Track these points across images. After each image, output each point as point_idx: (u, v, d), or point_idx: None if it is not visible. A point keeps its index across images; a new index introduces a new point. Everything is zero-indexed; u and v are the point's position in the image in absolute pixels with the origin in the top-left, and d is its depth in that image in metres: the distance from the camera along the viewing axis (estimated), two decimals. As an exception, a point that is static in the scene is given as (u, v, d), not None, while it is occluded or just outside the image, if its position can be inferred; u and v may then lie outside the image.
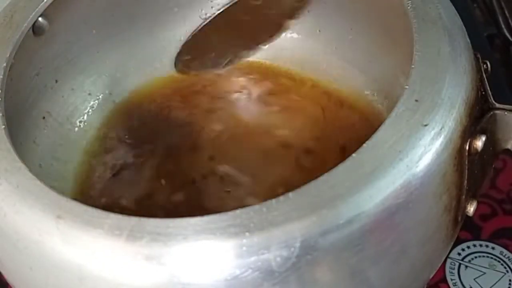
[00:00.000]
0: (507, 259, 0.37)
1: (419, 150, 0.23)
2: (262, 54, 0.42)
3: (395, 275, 0.25)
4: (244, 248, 0.21)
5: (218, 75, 0.41)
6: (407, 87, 0.25)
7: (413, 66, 0.26)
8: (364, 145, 0.23)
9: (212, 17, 0.38)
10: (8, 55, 0.30)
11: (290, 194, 0.22)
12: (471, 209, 0.27)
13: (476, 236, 0.38)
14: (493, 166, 0.30)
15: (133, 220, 0.22)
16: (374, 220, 0.22)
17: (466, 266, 0.37)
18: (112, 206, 0.34)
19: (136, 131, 0.38)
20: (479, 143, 0.25)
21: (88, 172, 0.36)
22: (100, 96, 0.39)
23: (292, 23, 0.40)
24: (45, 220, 0.23)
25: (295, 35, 0.41)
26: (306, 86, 0.39)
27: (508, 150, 0.29)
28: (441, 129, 0.24)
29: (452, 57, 0.26)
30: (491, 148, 0.28)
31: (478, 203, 0.28)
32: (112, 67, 0.40)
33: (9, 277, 0.27)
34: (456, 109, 0.25)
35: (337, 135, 0.36)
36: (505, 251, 0.37)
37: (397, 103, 0.25)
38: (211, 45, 0.40)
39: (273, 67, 0.41)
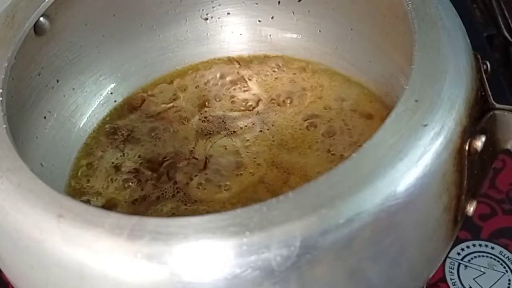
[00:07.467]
0: (507, 258, 0.37)
1: (419, 150, 0.23)
2: (263, 54, 0.42)
3: (394, 275, 0.25)
4: (244, 247, 0.21)
5: (219, 77, 0.41)
6: (407, 87, 0.25)
7: (413, 66, 0.26)
8: (364, 145, 0.23)
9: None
10: (9, 55, 0.30)
11: (290, 193, 0.22)
12: (470, 209, 0.27)
13: (476, 236, 0.38)
14: (493, 166, 0.30)
15: (134, 219, 0.22)
16: (373, 219, 0.22)
17: (466, 266, 0.37)
18: (112, 205, 0.34)
19: (136, 131, 0.38)
20: (479, 143, 0.25)
21: (89, 172, 0.36)
22: (101, 96, 0.39)
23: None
24: (46, 219, 0.23)
25: (295, 35, 0.41)
26: (306, 86, 0.39)
27: (507, 150, 0.29)
28: (441, 129, 0.24)
29: (452, 58, 0.26)
30: (490, 148, 0.28)
31: (478, 203, 0.28)
32: (113, 67, 0.40)
33: (10, 276, 0.27)
34: (456, 109, 0.25)
35: (339, 138, 0.36)
36: (504, 251, 0.38)
37: (397, 103, 0.25)
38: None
39: (273, 68, 0.41)
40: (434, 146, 0.24)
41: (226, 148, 0.36)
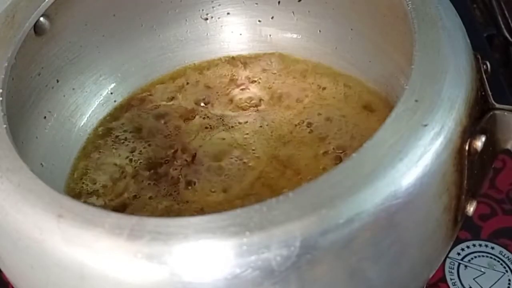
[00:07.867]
0: (507, 258, 0.37)
1: (419, 150, 0.23)
2: (263, 54, 0.42)
3: (394, 275, 0.25)
4: (244, 247, 0.21)
5: (219, 76, 0.41)
6: (407, 87, 0.25)
7: (413, 66, 0.26)
8: (364, 145, 0.23)
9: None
10: (9, 55, 0.30)
11: (290, 193, 0.22)
12: (470, 209, 0.27)
13: (476, 236, 0.38)
14: (493, 166, 0.30)
15: (134, 219, 0.22)
16: (373, 219, 0.22)
17: (466, 266, 0.37)
18: (111, 205, 0.34)
19: (136, 131, 0.38)
20: (479, 143, 0.25)
21: (89, 172, 0.36)
22: (101, 96, 0.39)
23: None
24: (46, 219, 0.23)
25: (295, 35, 0.41)
26: (306, 86, 0.39)
27: (507, 150, 0.29)
28: (441, 129, 0.24)
29: (452, 58, 0.26)
30: (490, 148, 0.28)
31: (478, 203, 0.28)
32: (113, 67, 0.40)
33: (10, 276, 0.27)
34: (456, 109, 0.25)
35: (338, 135, 0.36)
36: (504, 251, 0.38)
37: (397, 103, 0.25)
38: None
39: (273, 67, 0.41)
40: (434, 146, 0.24)
41: (224, 139, 0.37)
